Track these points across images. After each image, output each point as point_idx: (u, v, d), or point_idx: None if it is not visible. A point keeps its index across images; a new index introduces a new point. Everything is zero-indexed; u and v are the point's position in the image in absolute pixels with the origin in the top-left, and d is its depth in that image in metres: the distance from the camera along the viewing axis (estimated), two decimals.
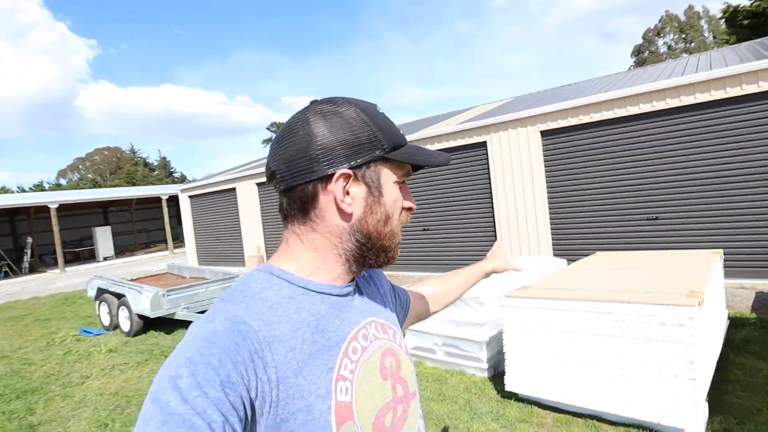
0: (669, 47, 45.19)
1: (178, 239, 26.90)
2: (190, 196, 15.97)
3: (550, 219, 7.78)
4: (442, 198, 9.15)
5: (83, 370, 5.66)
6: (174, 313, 6.87)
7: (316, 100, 0.75)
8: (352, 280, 0.79)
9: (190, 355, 0.58)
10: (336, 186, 0.70)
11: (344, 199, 0.71)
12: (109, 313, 7.58)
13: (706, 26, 45.02)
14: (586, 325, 3.18)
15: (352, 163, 0.70)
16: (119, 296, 7.45)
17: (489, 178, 8.41)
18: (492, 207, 8.44)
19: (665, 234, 6.73)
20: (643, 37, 46.28)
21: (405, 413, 0.80)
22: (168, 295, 6.82)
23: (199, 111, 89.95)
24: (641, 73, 9.43)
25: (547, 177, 7.74)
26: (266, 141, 55.09)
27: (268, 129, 56.69)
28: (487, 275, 1.33)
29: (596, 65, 73.39)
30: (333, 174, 0.70)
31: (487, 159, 8.38)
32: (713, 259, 4.32)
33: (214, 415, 0.54)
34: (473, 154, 8.63)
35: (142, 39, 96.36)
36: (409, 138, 9.51)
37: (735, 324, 4.86)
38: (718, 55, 8.59)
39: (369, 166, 0.72)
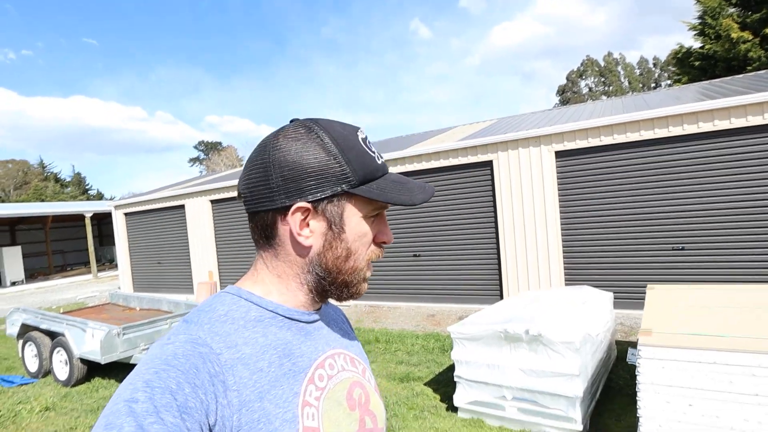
0: (590, 89, 48.88)
1: (101, 262, 24.03)
2: (126, 214, 13.99)
3: (563, 248, 7.23)
4: (437, 221, 8.37)
5: None
6: (130, 357, 5.41)
7: (294, 120, 0.73)
8: (319, 308, 0.78)
9: (147, 377, 0.56)
10: (293, 219, 0.69)
11: (301, 232, 0.69)
12: (39, 356, 5.91)
13: (622, 72, 49.33)
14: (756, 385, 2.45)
15: (311, 197, 0.68)
16: (53, 335, 5.83)
17: (494, 201, 7.76)
18: (496, 233, 7.77)
19: (693, 266, 6.36)
20: (567, 78, 49.75)
21: None
22: (124, 334, 5.37)
23: (115, 126, 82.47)
24: (650, 98, 9.38)
25: (560, 201, 7.22)
26: (192, 160, 52.68)
27: (195, 148, 54.14)
28: None
29: (518, 103, 78.52)
30: (291, 206, 0.68)
31: (492, 180, 7.74)
32: None
33: None
34: (476, 175, 7.96)
35: (46, 46, 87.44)
36: (400, 155, 8.75)
37: None
38: (713, 87, 8.72)
39: (331, 200, 0.70)
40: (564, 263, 7.23)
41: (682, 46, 15.80)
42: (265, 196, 0.68)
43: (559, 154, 7.20)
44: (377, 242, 0.75)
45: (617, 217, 6.85)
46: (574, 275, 7.17)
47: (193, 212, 12.11)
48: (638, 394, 2.61)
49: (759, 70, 12.08)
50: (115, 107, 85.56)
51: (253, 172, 0.70)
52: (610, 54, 49.50)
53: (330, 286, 0.73)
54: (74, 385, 5.47)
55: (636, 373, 2.63)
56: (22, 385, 5.69)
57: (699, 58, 14.97)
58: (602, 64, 49.31)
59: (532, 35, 71.27)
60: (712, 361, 2.38)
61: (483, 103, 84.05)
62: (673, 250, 6.46)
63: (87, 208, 20.41)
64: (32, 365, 6.01)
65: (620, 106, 8.77)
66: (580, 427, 3.35)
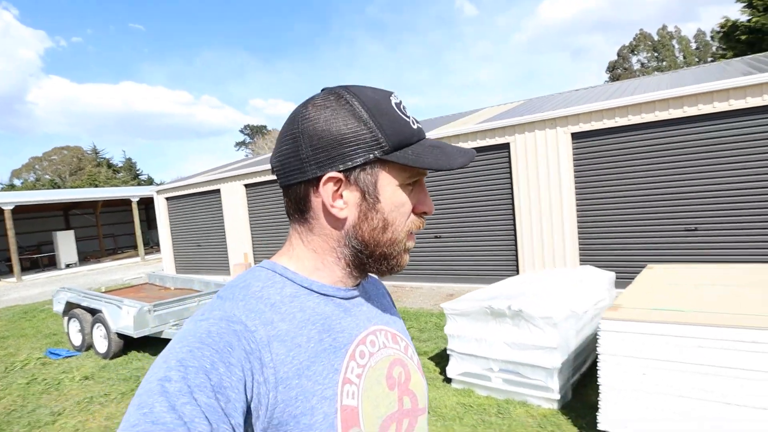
0: (642, 65, 46.57)
1: (149, 245, 25.44)
2: (167, 198, 14.81)
3: (578, 228, 7.22)
4: (457, 203, 8.51)
5: (53, 404, 4.66)
6: (161, 332, 5.92)
7: (325, 89, 0.70)
8: (358, 284, 0.75)
9: (181, 356, 0.54)
10: (324, 190, 0.66)
11: (334, 203, 0.66)
12: (81, 331, 6.53)
13: (677, 46, 46.65)
14: (712, 356, 2.54)
15: (342, 166, 0.65)
16: (93, 312, 6.42)
17: (511, 183, 7.81)
18: (513, 214, 7.83)
19: (706, 246, 6.25)
20: (618, 54, 47.59)
21: (411, 428, 0.73)
22: (154, 311, 5.86)
23: (163, 110, 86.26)
24: (664, 78, 9.08)
25: (576, 183, 7.20)
26: (239, 144, 53.93)
27: (241, 132, 55.42)
28: None
29: (567, 81, 75.78)
30: (322, 176, 0.65)
31: (510, 162, 7.78)
32: None
33: (203, 425, 0.50)
34: (494, 157, 8.01)
35: (94, 33, 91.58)
36: None
37: None
38: (739, 65, 8.33)
39: (364, 168, 0.66)
40: (579, 243, 7.23)
41: (728, 20, 14.94)
42: (297, 168, 0.66)
43: (575, 136, 7.15)
44: (417, 212, 0.71)
45: (632, 198, 6.77)
46: (588, 255, 7.16)
47: (228, 196, 12.71)
48: (598, 364, 2.75)
49: None
50: (162, 92, 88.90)
51: (284, 145, 0.67)
52: (664, 27, 46.90)
53: (368, 259, 0.70)
54: (112, 358, 6.01)
55: (596, 345, 2.76)
56: (67, 357, 6.32)
57: (746, 31, 14.12)
58: (656, 38, 46.86)
59: (582, 9, 68.38)
60: (662, 333, 2.49)
61: (531, 81, 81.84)
62: (686, 230, 6.35)
63: (133, 193, 21.55)
64: (76, 339, 6.64)
65: (644, 85, 8.53)
66: (558, 396, 3.51)
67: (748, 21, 14.21)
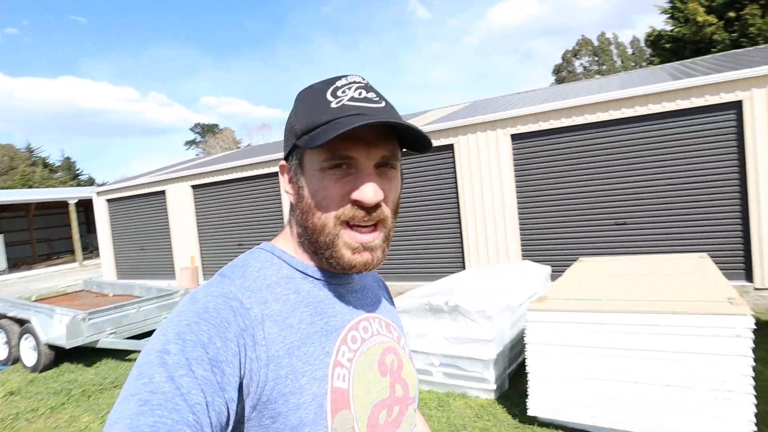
0: (585, 68, 49.03)
1: (88, 250, 24.12)
2: (108, 200, 14.12)
3: (520, 225, 7.52)
4: (405, 203, 8.63)
5: None
6: (96, 341, 5.65)
7: None
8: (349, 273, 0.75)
9: (179, 330, 0.56)
10: (281, 176, 0.75)
11: (287, 189, 0.73)
12: (8, 343, 6.12)
13: (615, 51, 49.44)
14: (624, 340, 2.75)
15: (284, 155, 0.73)
16: (22, 322, 6.04)
17: (455, 183, 8.02)
18: (458, 212, 8.05)
19: (633, 239, 6.70)
20: (562, 58, 49.84)
21: (401, 416, 0.74)
22: (89, 319, 5.58)
23: (107, 107, 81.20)
24: (592, 84, 9.62)
25: (516, 182, 7.50)
26: (189, 143, 52.06)
27: (191, 130, 53.47)
28: None
29: (516, 82, 78.54)
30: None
31: (454, 163, 7.99)
32: (709, 263, 4.17)
33: (198, 397, 0.51)
34: (439, 157, 8.20)
35: (31, 24, 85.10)
36: None
37: None
38: (661, 72, 8.95)
39: (292, 155, 0.71)
40: (521, 239, 7.54)
41: (654, 29, 16.05)
42: None
43: (514, 137, 7.45)
44: (353, 200, 0.66)
45: (567, 195, 7.15)
46: (529, 250, 7.48)
47: (174, 198, 12.26)
48: (526, 353, 2.90)
49: (723, 51, 12.33)
50: (106, 88, 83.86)
51: None
52: (603, 34, 49.53)
53: (311, 245, 0.70)
54: (42, 371, 5.65)
55: (523, 335, 2.92)
56: None
57: (669, 40, 15.22)
58: (596, 43, 49.39)
59: (529, 14, 70.93)
60: (580, 321, 2.67)
61: (482, 82, 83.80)
62: (616, 224, 6.79)
63: (71, 194, 20.36)
64: (1, 353, 6.22)
65: (578, 89, 9.01)
66: (494, 387, 3.66)
67: (671, 31, 15.36)
